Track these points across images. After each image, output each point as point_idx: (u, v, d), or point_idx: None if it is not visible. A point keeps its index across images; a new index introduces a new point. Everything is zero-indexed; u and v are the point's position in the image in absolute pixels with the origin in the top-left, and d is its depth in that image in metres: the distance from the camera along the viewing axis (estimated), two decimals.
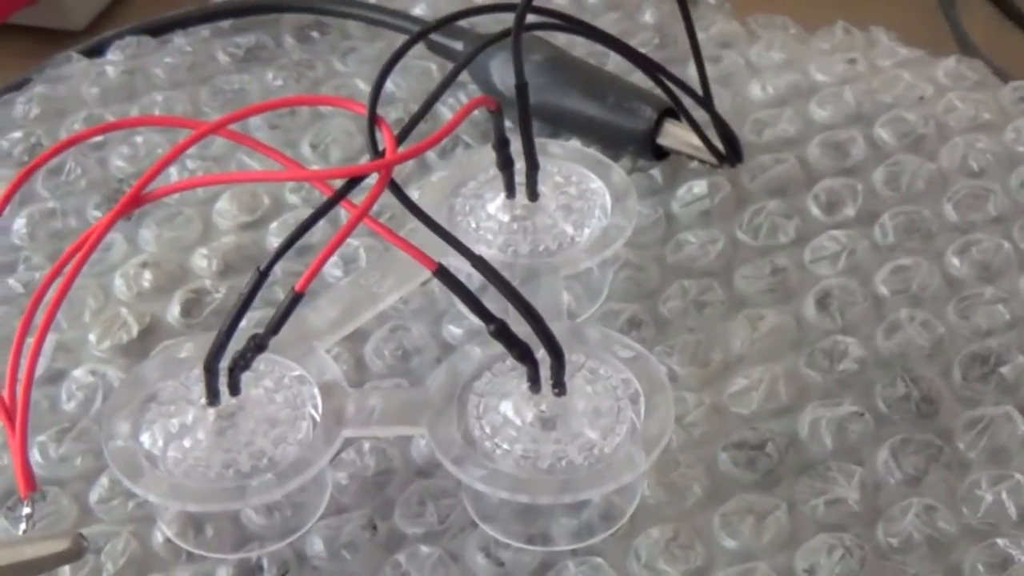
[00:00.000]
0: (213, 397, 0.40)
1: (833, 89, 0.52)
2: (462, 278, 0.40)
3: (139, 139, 0.52)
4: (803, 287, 0.46)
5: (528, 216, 0.45)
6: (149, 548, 0.41)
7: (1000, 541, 0.40)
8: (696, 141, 0.49)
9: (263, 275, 0.39)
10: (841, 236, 0.47)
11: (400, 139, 0.40)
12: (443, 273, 0.39)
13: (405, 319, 0.46)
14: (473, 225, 0.45)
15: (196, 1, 0.58)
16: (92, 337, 0.46)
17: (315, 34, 0.57)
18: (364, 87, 0.54)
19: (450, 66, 0.52)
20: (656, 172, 0.50)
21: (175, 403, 0.41)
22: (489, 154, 0.45)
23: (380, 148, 0.40)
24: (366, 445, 0.43)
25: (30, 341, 0.40)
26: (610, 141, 0.50)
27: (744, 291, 0.46)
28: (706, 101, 0.48)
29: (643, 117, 0.49)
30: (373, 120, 0.40)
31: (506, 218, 0.45)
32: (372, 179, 0.40)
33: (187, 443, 0.40)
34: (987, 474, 0.41)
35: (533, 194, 0.45)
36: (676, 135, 0.49)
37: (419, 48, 0.55)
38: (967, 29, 0.56)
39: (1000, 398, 0.43)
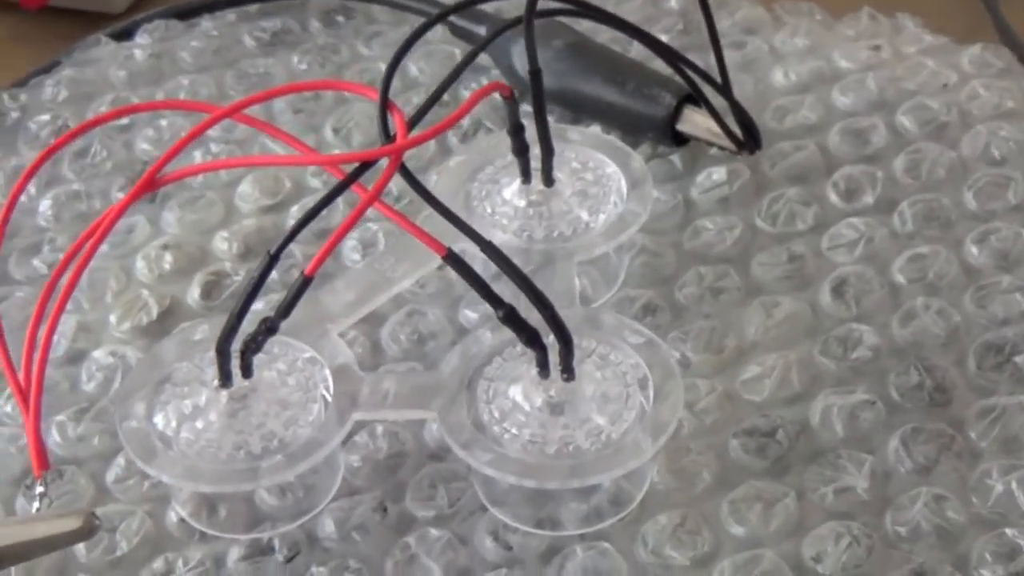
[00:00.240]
0: (225, 379, 0.40)
1: (856, 76, 0.52)
2: (477, 264, 0.40)
3: (164, 122, 0.53)
4: (820, 274, 0.46)
5: (544, 202, 0.45)
6: (163, 527, 0.42)
7: (1009, 531, 0.39)
8: (715, 128, 0.49)
9: (274, 258, 0.39)
10: (859, 223, 0.47)
11: (412, 124, 0.40)
12: (453, 258, 0.39)
13: (422, 303, 0.46)
14: (489, 210, 0.46)
15: None
16: (113, 318, 0.47)
17: (340, 18, 0.57)
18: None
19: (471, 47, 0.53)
20: (676, 158, 0.50)
21: (189, 384, 0.41)
22: (507, 139, 0.45)
23: (392, 133, 0.40)
24: (379, 428, 0.43)
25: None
26: (630, 127, 0.50)
27: (760, 278, 0.46)
28: (724, 88, 0.48)
29: (662, 103, 0.49)
30: (385, 105, 0.40)
31: (522, 203, 0.45)
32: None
33: (199, 424, 0.40)
34: (998, 464, 0.41)
35: (549, 180, 0.45)
36: (695, 121, 0.49)
37: (443, 32, 0.55)
38: (1006, 16, 0.55)
39: (1014, 388, 0.43)
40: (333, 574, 0.40)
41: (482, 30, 0.53)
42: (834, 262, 0.47)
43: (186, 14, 0.58)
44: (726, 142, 0.49)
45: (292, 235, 0.39)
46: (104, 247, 0.48)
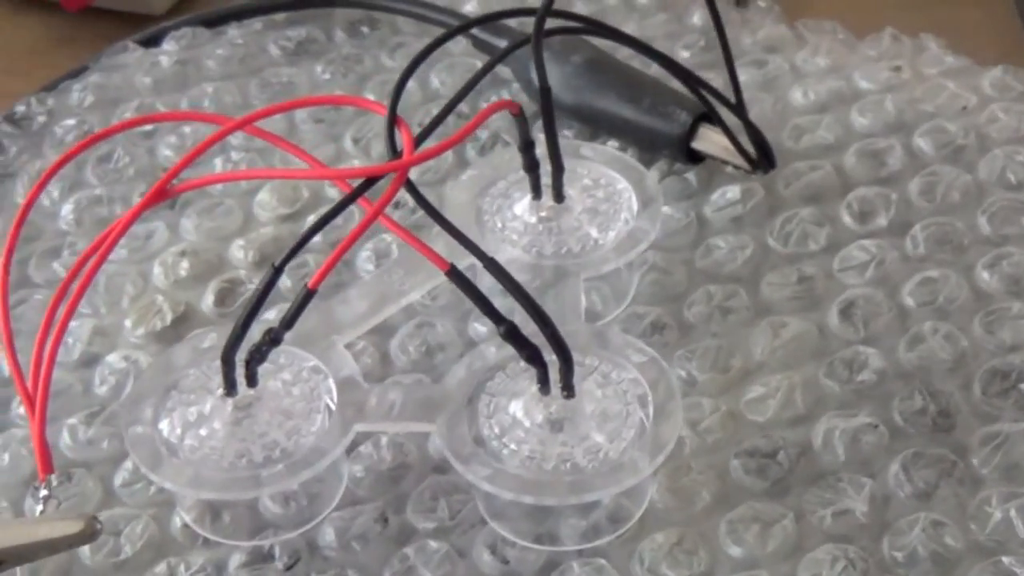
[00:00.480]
0: (230, 388, 0.41)
1: (875, 97, 0.52)
2: (488, 280, 0.41)
3: (187, 129, 0.53)
4: (829, 296, 0.46)
5: (554, 217, 0.46)
6: (167, 532, 0.42)
7: (1006, 559, 0.39)
8: (731, 146, 0.49)
9: (278, 270, 0.40)
10: (871, 246, 0.47)
11: (420, 140, 0.41)
12: (455, 274, 0.40)
13: (432, 315, 0.47)
14: (499, 225, 0.46)
15: None
16: (128, 323, 0.48)
17: (365, 29, 0.58)
18: (410, 83, 0.54)
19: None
20: (691, 176, 0.50)
21: (195, 392, 0.42)
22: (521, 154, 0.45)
23: (400, 149, 0.41)
24: (383, 439, 0.43)
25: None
26: (646, 144, 0.51)
27: (769, 298, 0.46)
28: (737, 107, 0.48)
29: (678, 121, 0.49)
30: (393, 121, 0.41)
31: (532, 219, 0.46)
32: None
33: (203, 432, 0.41)
34: (999, 491, 0.41)
35: (559, 196, 0.46)
36: (711, 140, 0.49)
37: (465, 45, 0.56)
38: None
39: (1018, 415, 0.43)
40: None
41: (504, 43, 0.53)
42: (844, 284, 0.47)
43: (213, 22, 0.58)
44: (741, 161, 0.49)
45: (297, 248, 0.39)
46: (123, 252, 0.50)
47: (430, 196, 0.49)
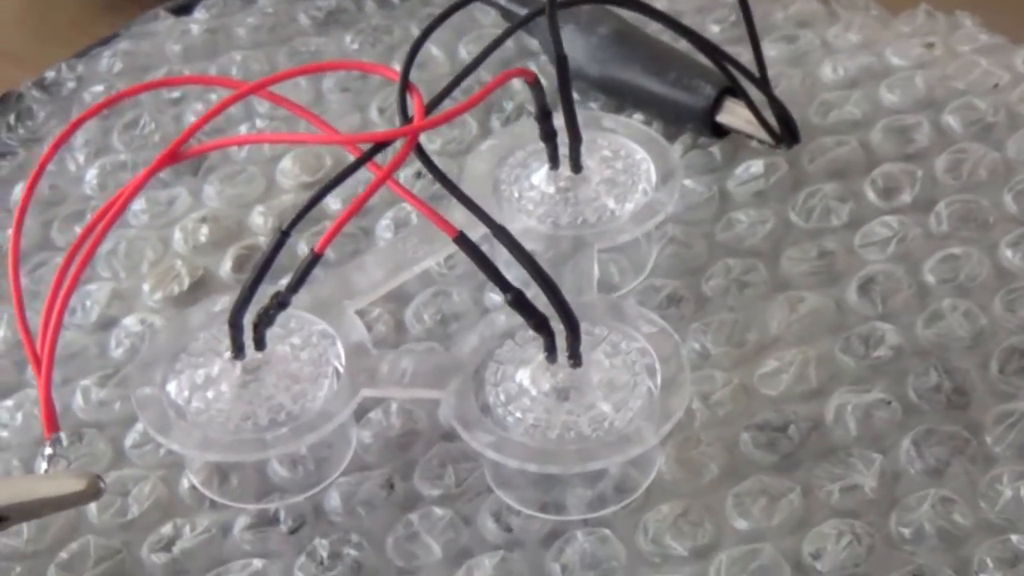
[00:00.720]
0: (238, 351, 0.41)
1: (906, 73, 0.52)
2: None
3: (214, 96, 0.54)
4: (849, 272, 0.46)
5: (571, 188, 0.45)
6: (175, 494, 0.42)
7: (1015, 537, 0.39)
8: (755, 121, 0.48)
9: (285, 235, 0.40)
10: (893, 222, 0.47)
11: (431, 106, 0.41)
12: (463, 240, 0.40)
13: (449, 284, 0.47)
14: (516, 194, 0.46)
15: None
16: (146, 287, 0.48)
17: None
18: (437, 53, 0.55)
19: (524, 33, 0.53)
20: (716, 150, 0.50)
21: (204, 355, 0.42)
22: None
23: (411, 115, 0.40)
24: (393, 406, 0.43)
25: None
26: (671, 117, 0.50)
27: (788, 273, 0.46)
28: (762, 82, 0.48)
29: (702, 94, 0.49)
30: (405, 87, 0.41)
31: (549, 189, 0.45)
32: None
33: (210, 394, 0.41)
34: (1011, 469, 0.40)
35: (576, 166, 0.45)
36: (736, 113, 0.49)
37: (495, 17, 0.56)
38: None
39: None
40: (334, 547, 0.40)
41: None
42: (865, 260, 0.46)
43: None
44: (765, 135, 0.48)
45: (304, 212, 0.40)
46: (145, 218, 0.50)
47: (452, 166, 0.49)
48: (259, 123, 0.52)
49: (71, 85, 0.55)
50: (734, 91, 0.49)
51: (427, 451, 0.42)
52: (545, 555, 0.40)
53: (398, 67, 0.53)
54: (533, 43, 0.54)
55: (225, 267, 0.48)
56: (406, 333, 0.46)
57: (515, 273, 0.40)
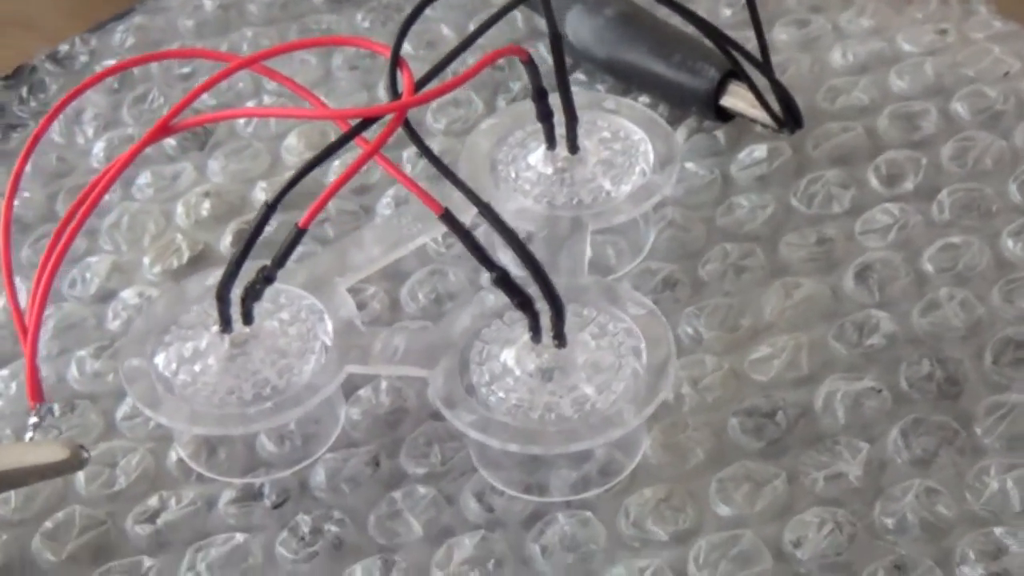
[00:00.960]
0: (225, 324, 0.41)
1: (915, 60, 0.51)
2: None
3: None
4: (847, 258, 0.45)
5: (567, 168, 0.45)
6: (163, 466, 0.42)
7: (998, 530, 0.38)
8: (759, 104, 0.48)
9: (271, 208, 0.40)
10: (895, 209, 0.46)
11: (422, 84, 0.41)
12: (448, 218, 0.39)
13: (445, 263, 0.47)
14: (513, 174, 0.46)
15: None
16: (146, 260, 0.48)
17: None
18: (448, 32, 0.55)
19: (534, 14, 0.53)
20: (720, 134, 0.50)
21: (193, 328, 0.42)
22: None
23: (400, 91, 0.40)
24: (383, 384, 0.43)
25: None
26: (676, 100, 0.50)
27: (786, 258, 0.46)
28: (764, 66, 0.47)
29: (706, 77, 0.49)
30: (395, 63, 0.41)
31: (547, 170, 0.45)
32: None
33: (197, 367, 0.41)
34: (999, 461, 0.40)
35: (573, 147, 0.45)
36: (741, 97, 0.48)
37: None
38: None
39: None
40: (316, 523, 0.40)
41: None
42: (864, 247, 0.46)
43: None
44: (769, 120, 0.48)
45: (289, 186, 0.40)
46: (149, 191, 0.50)
47: (457, 145, 0.49)
48: (267, 99, 0.53)
49: (84, 59, 0.55)
50: (738, 75, 0.48)
51: (414, 429, 0.42)
52: (525, 536, 0.40)
53: (408, 46, 0.54)
54: (543, 23, 0.54)
55: (225, 242, 0.48)
56: (401, 311, 0.46)
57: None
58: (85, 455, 0.39)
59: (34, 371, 0.40)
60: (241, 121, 0.52)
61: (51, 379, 0.44)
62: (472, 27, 0.54)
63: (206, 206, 0.49)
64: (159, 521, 0.41)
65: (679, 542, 0.39)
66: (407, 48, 0.54)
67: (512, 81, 0.52)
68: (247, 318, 0.41)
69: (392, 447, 0.42)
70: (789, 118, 0.48)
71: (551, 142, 0.45)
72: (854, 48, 0.52)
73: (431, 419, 0.43)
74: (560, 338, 0.40)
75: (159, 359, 0.41)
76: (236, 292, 0.41)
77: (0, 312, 0.46)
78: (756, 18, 0.47)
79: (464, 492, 0.41)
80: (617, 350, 0.40)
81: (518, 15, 0.55)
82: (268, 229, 0.45)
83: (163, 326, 0.42)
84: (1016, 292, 0.44)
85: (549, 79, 0.44)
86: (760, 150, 0.49)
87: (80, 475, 0.42)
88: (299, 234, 0.40)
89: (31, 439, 0.40)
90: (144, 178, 0.50)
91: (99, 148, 0.52)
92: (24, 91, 0.54)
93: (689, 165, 0.48)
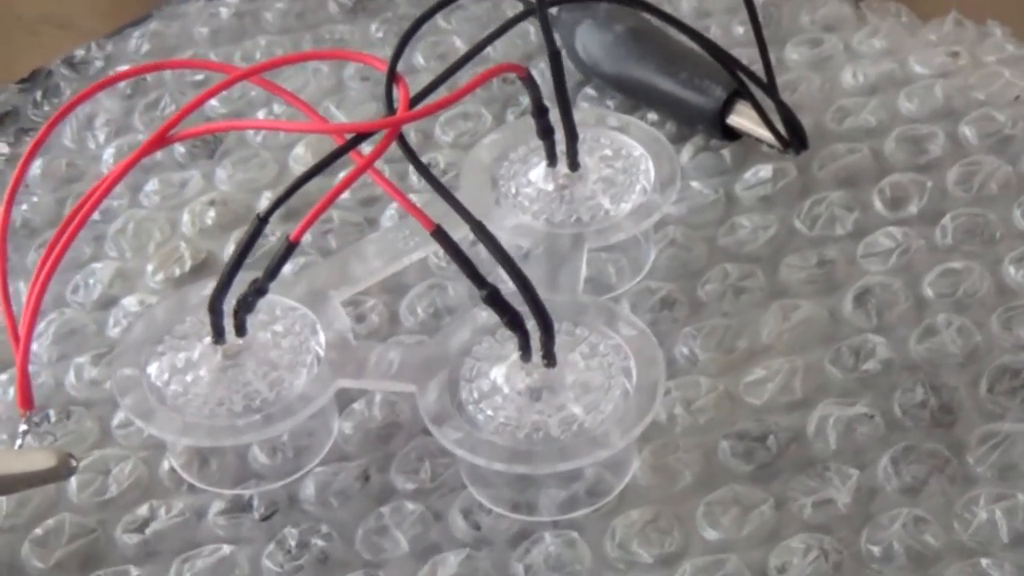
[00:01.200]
0: (218, 336, 0.41)
1: (926, 82, 0.51)
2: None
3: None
4: (847, 282, 0.45)
5: (568, 185, 0.45)
6: (155, 475, 0.43)
7: (984, 561, 0.38)
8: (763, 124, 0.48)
9: (263, 221, 0.40)
10: (898, 233, 0.46)
11: (417, 100, 0.41)
12: (440, 234, 0.39)
13: (446, 277, 0.47)
14: (513, 190, 0.46)
15: None
16: (150, 268, 0.48)
17: None
18: (460, 45, 0.55)
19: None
20: (726, 153, 0.49)
21: (186, 338, 0.42)
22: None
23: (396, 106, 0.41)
24: (377, 397, 0.43)
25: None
26: (683, 118, 0.50)
27: (786, 280, 0.46)
28: (768, 86, 0.47)
29: (712, 96, 0.48)
30: (391, 79, 0.41)
31: (547, 186, 0.45)
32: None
33: (189, 378, 0.41)
34: (988, 491, 0.40)
35: (574, 164, 0.45)
36: (747, 116, 0.48)
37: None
38: None
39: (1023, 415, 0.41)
40: (303, 536, 0.41)
41: (552, 11, 0.53)
42: (864, 270, 0.45)
43: None
44: (774, 140, 0.48)
45: (282, 199, 0.40)
46: (156, 199, 0.50)
47: (464, 158, 0.49)
48: (277, 108, 0.53)
49: (99, 64, 0.56)
50: (744, 94, 0.48)
51: (406, 444, 0.43)
52: (511, 555, 0.40)
53: (420, 58, 0.54)
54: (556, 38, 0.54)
55: (228, 251, 0.48)
56: (399, 324, 0.46)
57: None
58: (74, 463, 0.39)
59: (25, 378, 0.40)
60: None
61: (49, 385, 0.45)
62: None
63: (211, 214, 0.49)
64: (148, 531, 0.41)
65: (664, 565, 0.39)
66: (419, 60, 0.54)
67: (522, 95, 0.52)
68: (240, 330, 0.41)
69: (383, 461, 0.42)
70: (794, 139, 0.48)
71: (552, 159, 0.45)
72: (865, 69, 0.52)
73: (423, 434, 0.42)
74: (549, 357, 0.40)
75: (152, 369, 0.41)
76: (232, 303, 0.41)
77: None
78: (760, 38, 0.47)
79: (452, 509, 0.41)
80: (607, 370, 0.40)
81: (530, 29, 0.55)
82: (272, 240, 0.46)
83: (159, 335, 0.42)
84: (1015, 320, 0.43)
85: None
86: (765, 170, 0.48)
87: (72, 482, 0.42)
88: (290, 247, 0.40)
89: (20, 447, 0.40)
90: (152, 185, 0.51)
91: (109, 154, 0.52)
92: (39, 95, 0.55)
93: (694, 184, 0.48)
